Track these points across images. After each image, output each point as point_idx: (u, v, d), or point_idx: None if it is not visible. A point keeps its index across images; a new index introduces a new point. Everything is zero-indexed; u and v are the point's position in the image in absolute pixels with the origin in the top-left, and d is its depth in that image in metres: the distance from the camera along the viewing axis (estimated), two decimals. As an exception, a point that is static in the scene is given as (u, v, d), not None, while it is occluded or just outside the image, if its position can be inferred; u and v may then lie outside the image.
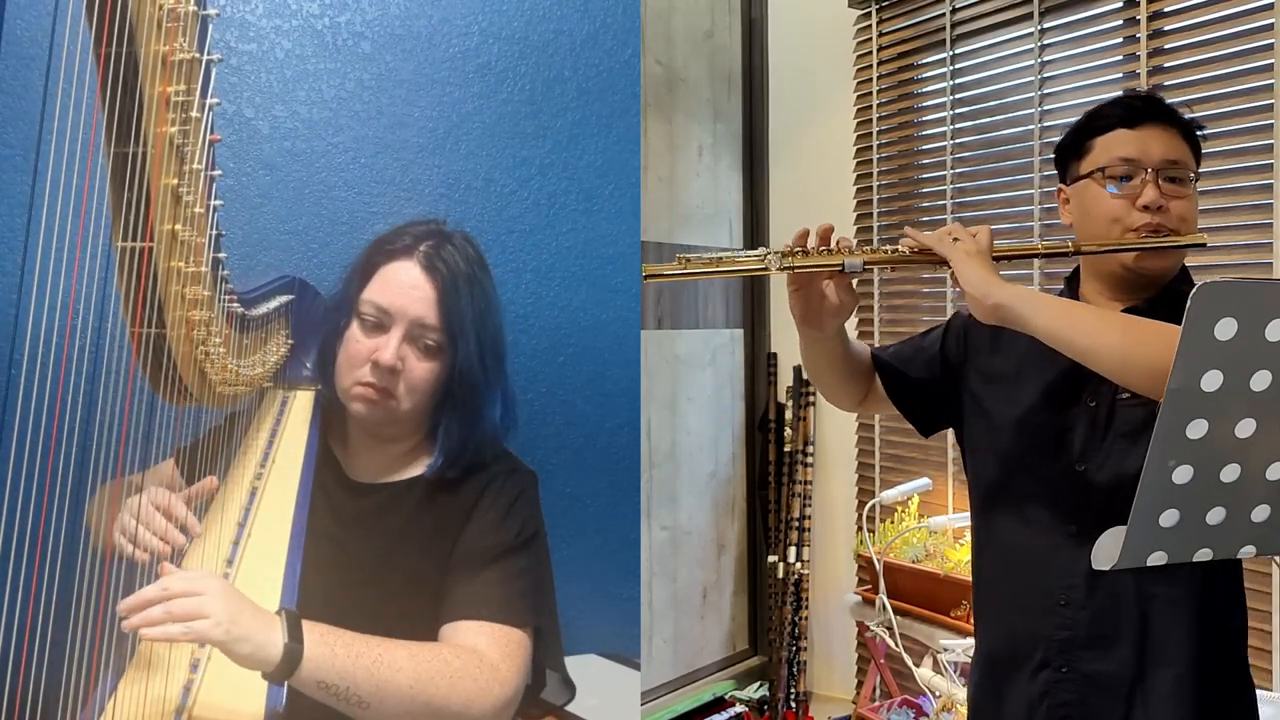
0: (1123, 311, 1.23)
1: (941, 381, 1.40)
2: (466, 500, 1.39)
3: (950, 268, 1.18)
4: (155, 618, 1.01)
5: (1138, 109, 1.25)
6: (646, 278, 1.22)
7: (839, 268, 1.21)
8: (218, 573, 1.25)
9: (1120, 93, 1.34)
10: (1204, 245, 1.24)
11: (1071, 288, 1.33)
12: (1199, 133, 1.27)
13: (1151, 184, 1.21)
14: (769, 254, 1.21)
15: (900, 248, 1.23)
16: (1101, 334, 1.09)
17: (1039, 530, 1.26)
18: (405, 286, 1.35)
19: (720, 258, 1.23)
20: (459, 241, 1.41)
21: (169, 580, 1.04)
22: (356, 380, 1.36)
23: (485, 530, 1.36)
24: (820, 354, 1.37)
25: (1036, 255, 1.26)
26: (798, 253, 1.22)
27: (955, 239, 1.20)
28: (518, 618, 1.30)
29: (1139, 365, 1.05)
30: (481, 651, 1.24)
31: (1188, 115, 1.27)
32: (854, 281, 1.26)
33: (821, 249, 1.23)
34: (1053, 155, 1.35)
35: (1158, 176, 1.22)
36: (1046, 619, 1.25)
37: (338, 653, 1.10)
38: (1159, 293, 1.25)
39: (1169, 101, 1.28)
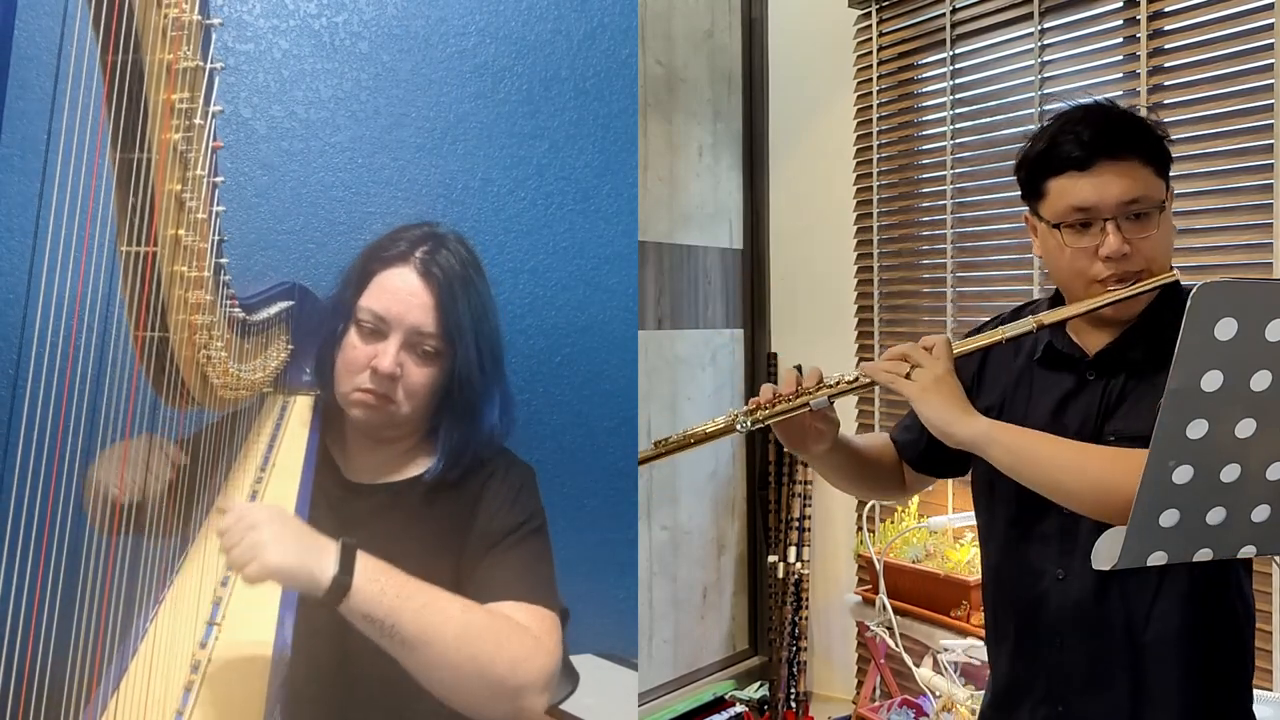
0: (1107, 345, 1.20)
1: None
2: (470, 494, 1.40)
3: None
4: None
5: (1089, 146, 1.12)
6: (641, 463, 1.28)
7: (806, 408, 1.22)
8: (219, 576, 1.26)
9: (1076, 103, 1.19)
10: (1176, 282, 1.15)
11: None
12: (1165, 140, 1.15)
13: (1112, 232, 1.12)
14: (736, 415, 1.24)
15: (860, 377, 1.22)
16: (1064, 477, 1.09)
17: (1032, 573, 1.25)
18: (403, 293, 1.35)
19: (691, 430, 1.27)
20: (453, 244, 1.41)
21: (223, 518, 1.09)
22: (356, 386, 1.37)
23: (497, 514, 1.38)
24: (827, 467, 1.36)
25: (997, 344, 1.21)
26: (763, 406, 1.23)
27: (912, 367, 1.16)
28: (546, 599, 1.31)
29: (1107, 505, 1.05)
30: (525, 624, 1.25)
31: (1150, 121, 1.16)
32: (830, 408, 1.26)
33: (786, 395, 1.23)
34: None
35: (1118, 221, 1.12)
36: (1044, 658, 1.24)
37: (386, 590, 1.12)
38: (1138, 316, 1.19)
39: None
